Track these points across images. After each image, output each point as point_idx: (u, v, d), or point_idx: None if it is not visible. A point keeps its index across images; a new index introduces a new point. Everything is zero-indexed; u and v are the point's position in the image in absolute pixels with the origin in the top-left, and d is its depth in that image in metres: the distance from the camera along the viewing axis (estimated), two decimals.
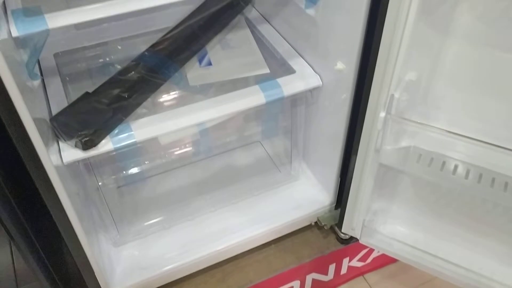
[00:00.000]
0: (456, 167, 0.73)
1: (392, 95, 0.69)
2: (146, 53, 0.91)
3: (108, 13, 0.67)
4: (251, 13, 1.07)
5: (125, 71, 0.86)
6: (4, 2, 0.64)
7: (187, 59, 0.94)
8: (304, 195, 1.06)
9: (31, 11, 0.64)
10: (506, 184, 0.68)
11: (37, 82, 0.70)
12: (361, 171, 0.83)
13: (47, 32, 0.63)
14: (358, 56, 0.76)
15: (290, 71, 0.92)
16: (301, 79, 0.90)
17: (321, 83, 0.89)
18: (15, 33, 0.61)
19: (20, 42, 0.64)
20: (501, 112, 0.69)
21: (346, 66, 0.80)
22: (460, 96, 0.72)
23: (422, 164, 0.74)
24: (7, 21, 0.63)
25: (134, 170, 1.10)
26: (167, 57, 0.90)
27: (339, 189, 1.00)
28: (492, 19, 0.62)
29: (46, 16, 0.63)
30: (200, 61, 0.96)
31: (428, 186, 0.83)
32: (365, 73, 0.74)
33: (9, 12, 0.64)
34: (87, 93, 0.80)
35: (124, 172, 1.08)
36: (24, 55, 0.65)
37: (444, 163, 0.73)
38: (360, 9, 0.70)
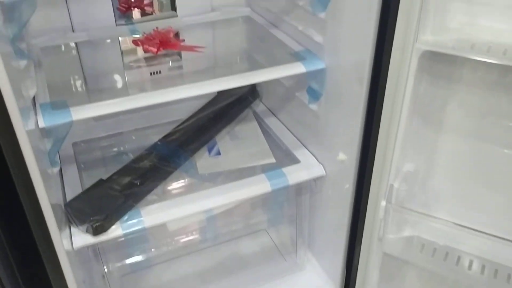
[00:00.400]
0: (459, 258, 0.73)
1: (392, 185, 0.72)
2: (158, 143, 0.96)
3: (126, 107, 0.73)
4: (259, 107, 1.15)
5: (138, 159, 0.90)
6: (34, 97, 0.71)
7: (197, 149, 0.99)
8: (310, 286, 1.05)
9: (58, 104, 0.71)
10: (509, 276, 0.68)
11: (56, 169, 0.74)
12: (366, 260, 0.83)
13: (70, 124, 0.69)
14: (358, 148, 0.80)
15: (295, 161, 0.96)
16: (305, 168, 0.93)
17: (324, 172, 0.93)
18: (42, 124, 0.67)
19: (45, 132, 0.69)
20: (499, 203, 0.71)
21: (348, 157, 0.84)
22: (458, 187, 0.75)
23: (425, 254, 0.74)
24: (36, 113, 0.69)
25: (140, 257, 1.10)
26: (178, 147, 0.96)
27: (346, 279, 0.99)
28: (480, 115, 0.67)
29: (71, 109, 0.70)
30: (210, 150, 1.01)
31: (434, 278, 0.83)
32: (365, 164, 0.78)
33: (37, 105, 0.71)
34: (101, 180, 0.84)
35: (130, 259, 1.09)
36: (47, 144, 0.70)
37: (447, 253, 0.73)
38: (358, 106, 0.76)
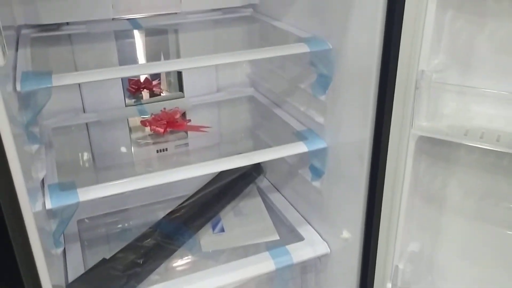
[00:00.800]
0: None
1: (397, 266, 0.72)
2: (163, 220, 0.97)
3: (132, 187, 0.75)
4: (263, 182, 1.16)
5: (142, 237, 0.90)
6: (43, 179, 0.73)
7: (201, 225, 0.99)
8: None
9: (65, 186, 0.72)
10: None
11: (60, 250, 0.74)
12: None
13: (77, 205, 0.70)
14: (362, 226, 0.80)
15: (299, 238, 0.95)
16: (309, 246, 0.93)
17: (329, 250, 0.92)
18: (49, 205, 0.68)
19: (51, 213, 0.70)
20: (505, 285, 0.70)
21: (351, 235, 0.84)
22: (464, 267, 0.73)
23: None
24: (43, 194, 0.71)
25: None
26: (182, 224, 0.96)
27: None
28: (480, 196, 0.68)
29: (79, 190, 0.71)
30: (214, 227, 1.01)
31: None
32: (370, 242, 0.77)
33: (46, 187, 0.73)
34: (104, 259, 0.84)
35: None
36: (53, 225, 0.71)
37: None
38: (360, 185, 0.77)
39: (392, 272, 0.72)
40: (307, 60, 0.82)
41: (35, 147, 0.70)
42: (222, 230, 1.01)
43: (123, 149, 1.08)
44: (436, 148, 0.67)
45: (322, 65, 0.80)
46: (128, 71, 0.74)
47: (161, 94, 1.13)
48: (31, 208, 0.59)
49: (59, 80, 0.65)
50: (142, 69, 0.81)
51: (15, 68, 0.70)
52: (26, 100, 0.65)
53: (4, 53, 0.56)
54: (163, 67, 0.82)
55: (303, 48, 0.79)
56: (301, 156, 0.96)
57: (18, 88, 0.63)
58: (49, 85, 0.64)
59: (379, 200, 0.72)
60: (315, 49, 0.79)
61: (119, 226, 1.03)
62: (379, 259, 0.74)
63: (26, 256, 0.61)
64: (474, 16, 0.60)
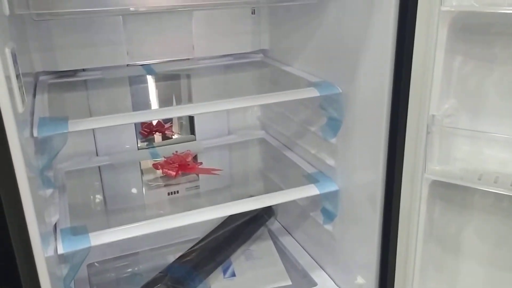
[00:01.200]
0: None
1: None
2: (173, 264, 0.95)
3: (144, 231, 0.75)
4: (274, 225, 1.15)
5: (152, 282, 0.89)
6: (56, 223, 0.73)
7: (212, 270, 0.98)
8: None
9: (77, 230, 0.72)
10: None
11: None
12: None
13: (89, 250, 0.70)
14: (377, 272, 0.79)
15: (311, 283, 0.93)
16: None
17: None
18: (60, 250, 0.68)
19: (63, 258, 0.70)
20: None
21: (366, 282, 0.82)
22: None
23: None
24: (55, 239, 0.71)
25: None
26: (193, 269, 0.94)
27: None
28: (497, 243, 0.66)
29: (90, 234, 0.71)
30: (225, 272, 0.99)
31: None
32: None
33: (58, 231, 0.73)
34: None
35: None
36: (64, 270, 0.70)
37: None
38: (373, 229, 0.76)
39: None
40: (317, 103, 0.84)
41: (49, 191, 0.70)
42: (233, 274, 0.99)
43: (135, 192, 1.08)
44: (450, 193, 0.67)
45: (332, 109, 0.81)
46: (141, 117, 0.76)
47: (173, 137, 1.15)
48: (43, 254, 0.59)
49: (75, 126, 0.67)
50: (155, 114, 0.82)
51: (32, 113, 0.72)
52: (42, 145, 0.66)
53: (23, 100, 0.58)
54: (176, 112, 0.84)
55: (313, 93, 0.80)
56: (313, 199, 0.95)
57: (35, 133, 0.65)
58: (65, 131, 0.66)
59: (394, 245, 0.71)
60: (325, 93, 0.80)
61: (129, 270, 1.02)
62: None
63: None
64: (482, 62, 0.61)
